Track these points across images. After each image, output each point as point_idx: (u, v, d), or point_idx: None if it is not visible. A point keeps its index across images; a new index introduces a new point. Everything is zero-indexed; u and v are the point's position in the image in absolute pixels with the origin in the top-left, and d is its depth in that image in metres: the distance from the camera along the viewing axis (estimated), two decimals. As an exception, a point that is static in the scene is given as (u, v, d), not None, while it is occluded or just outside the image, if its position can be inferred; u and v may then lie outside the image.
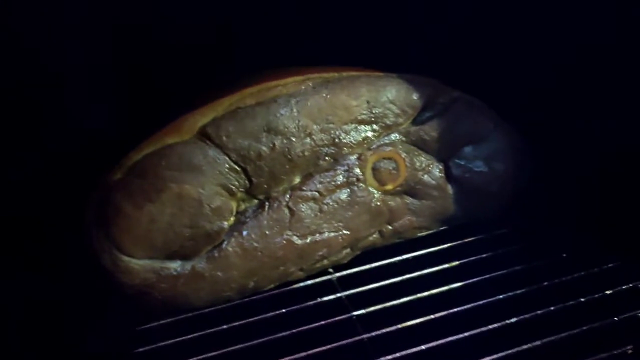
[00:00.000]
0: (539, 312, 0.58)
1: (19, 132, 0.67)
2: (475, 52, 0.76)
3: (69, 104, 0.69)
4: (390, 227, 0.67)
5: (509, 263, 0.64)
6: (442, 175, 0.67)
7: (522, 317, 0.57)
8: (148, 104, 0.70)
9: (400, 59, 0.70)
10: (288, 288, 0.64)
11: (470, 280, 0.63)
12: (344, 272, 0.66)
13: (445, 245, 0.68)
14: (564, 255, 0.65)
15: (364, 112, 0.63)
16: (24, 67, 0.66)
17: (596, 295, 0.59)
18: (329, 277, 0.66)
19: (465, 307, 0.59)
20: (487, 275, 0.63)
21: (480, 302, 0.59)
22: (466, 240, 0.69)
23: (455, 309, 0.59)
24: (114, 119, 0.70)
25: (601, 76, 0.65)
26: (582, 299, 0.59)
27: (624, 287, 0.60)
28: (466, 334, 0.56)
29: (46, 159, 0.69)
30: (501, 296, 0.60)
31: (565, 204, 0.70)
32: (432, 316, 0.58)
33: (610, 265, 0.63)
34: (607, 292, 0.60)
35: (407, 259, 0.67)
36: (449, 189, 0.68)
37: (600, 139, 0.67)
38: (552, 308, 0.58)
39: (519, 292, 0.61)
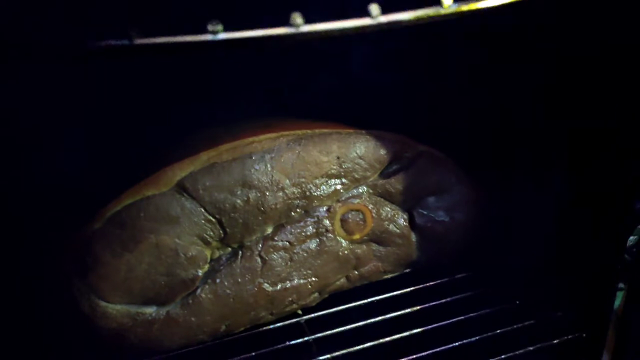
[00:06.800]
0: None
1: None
2: (444, 110, 0.81)
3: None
4: (357, 273, 0.71)
5: (465, 309, 0.69)
6: (407, 224, 0.72)
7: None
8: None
9: (370, 113, 0.74)
10: (258, 330, 0.68)
11: (431, 326, 0.67)
12: (312, 315, 0.70)
13: (408, 289, 0.72)
14: (517, 302, 0.70)
15: (334, 167, 0.67)
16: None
17: (540, 345, 0.64)
18: (297, 319, 0.69)
19: (424, 353, 0.64)
20: (447, 322, 0.68)
21: (437, 350, 0.64)
22: (428, 284, 0.73)
23: (415, 355, 0.63)
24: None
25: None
26: (530, 348, 0.64)
27: (569, 337, 0.65)
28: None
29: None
30: (457, 343, 0.65)
31: (522, 252, 0.75)
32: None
33: (559, 314, 0.68)
34: (555, 341, 0.65)
35: (372, 302, 0.71)
36: (413, 236, 0.72)
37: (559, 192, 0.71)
38: (502, 356, 0.63)
39: (473, 339, 0.65)
